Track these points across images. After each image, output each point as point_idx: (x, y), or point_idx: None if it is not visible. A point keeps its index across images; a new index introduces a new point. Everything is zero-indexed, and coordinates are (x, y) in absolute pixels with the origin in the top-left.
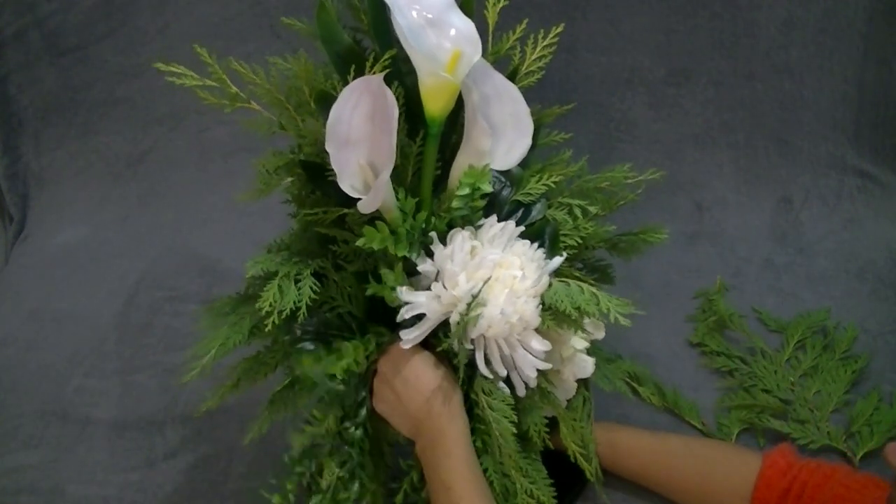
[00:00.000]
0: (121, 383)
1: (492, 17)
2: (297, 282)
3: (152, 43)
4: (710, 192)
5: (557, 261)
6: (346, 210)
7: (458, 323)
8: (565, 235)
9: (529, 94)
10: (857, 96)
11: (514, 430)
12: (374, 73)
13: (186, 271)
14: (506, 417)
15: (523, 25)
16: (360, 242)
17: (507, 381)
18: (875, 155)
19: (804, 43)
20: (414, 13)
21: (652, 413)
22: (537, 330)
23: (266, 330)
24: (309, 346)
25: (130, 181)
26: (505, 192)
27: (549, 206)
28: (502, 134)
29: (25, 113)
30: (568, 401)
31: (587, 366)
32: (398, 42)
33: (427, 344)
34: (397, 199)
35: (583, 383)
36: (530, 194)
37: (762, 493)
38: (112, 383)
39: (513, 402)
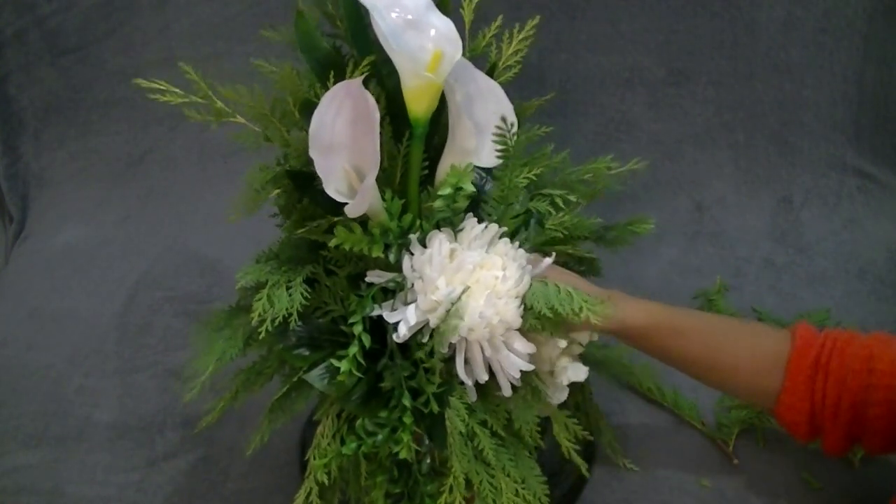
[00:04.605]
0: (121, 383)
1: (468, 14)
2: (288, 289)
3: (152, 43)
4: (710, 192)
5: (547, 261)
6: (334, 219)
7: (437, 330)
8: (549, 228)
9: (529, 95)
10: (857, 96)
11: (462, 430)
12: (353, 77)
13: (186, 271)
14: (458, 415)
15: (498, 22)
16: (332, 242)
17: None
18: (875, 155)
19: (804, 43)
20: (394, 15)
21: (652, 413)
22: (524, 331)
23: (260, 339)
24: (304, 352)
25: (130, 181)
26: (487, 187)
27: (532, 199)
28: (487, 132)
29: (25, 113)
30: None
31: (581, 371)
32: (377, 46)
33: (407, 346)
34: (383, 200)
35: None
36: (506, 185)
37: (796, 365)
38: (112, 383)
39: (468, 403)
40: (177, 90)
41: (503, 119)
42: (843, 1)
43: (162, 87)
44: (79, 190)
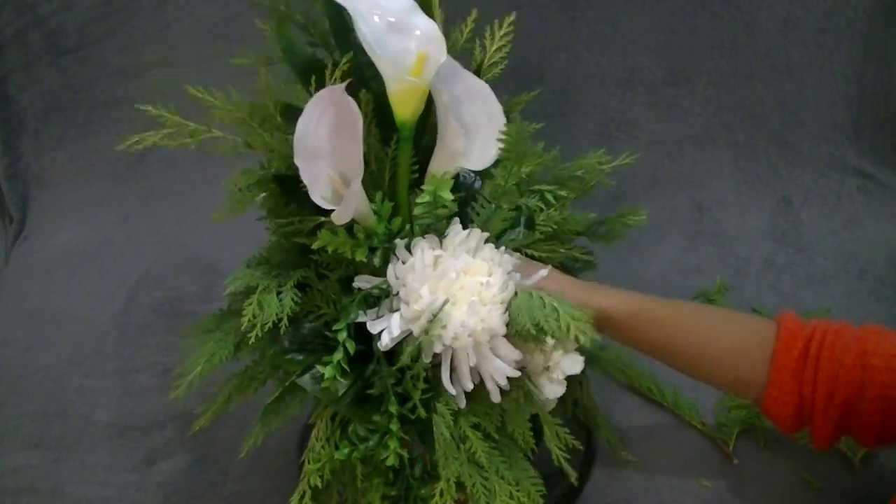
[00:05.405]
0: (121, 383)
1: (437, 12)
2: (278, 294)
3: (152, 43)
4: (710, 192)
5: (542, 273)
6: (322, 219)
7: (418, 340)
8: (539, 225)
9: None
10: (857, 96)
11: (447, 436)
12: (335, 81)
13: (186, 271)
14: (444, 422)
15: (473, 16)
16: (315, 245)
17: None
18: (875, 155)
19: (804, 43)
20: (376, 18)
21: (652, 413)
22: (511, 337)
23: (250, 343)
24: (297, 356)
25: (130, 181)
26: (476, 185)
27: (521, 195)
28: (475, 133)
29: (25, 113)
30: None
31: (576, 363)
32: (360, 49)
33: (393, 353)
34: (372, 201)
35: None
36: (501, 186)
37: (782, 356)
38: (112, 383)
39: (455, 409)
40: (147, 133)
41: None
42: (843, 1)
43: (133, 139)
44: (79, 190)
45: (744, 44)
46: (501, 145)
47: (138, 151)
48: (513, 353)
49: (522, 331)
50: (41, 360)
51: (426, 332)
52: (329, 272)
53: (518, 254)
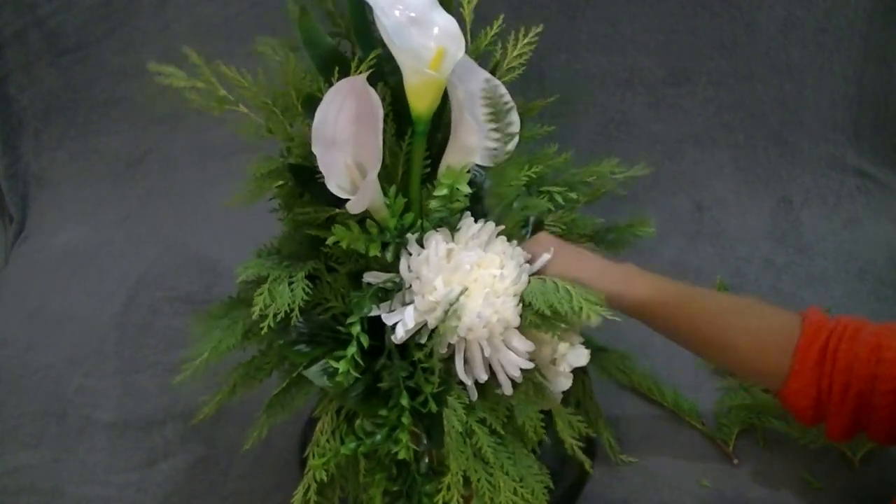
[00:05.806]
0: (121, 383)
1: (468, 14)
2: (289, 284)
3: (152, 43)
4: (710, 192)
5: (545, 258)
6: (336, 210)
7: (436, 331)
8: (548, 225)
9: (529, 94)
10: (857, 96)
11: (460, 429)
12: (358, 73)
13: (186, 271)
14: (455, 415)
15: (500, 21)
16: (330, 240)
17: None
18: (875, 155)
19: (804, 43)
20: (396, 13)
21: (652, 413)
22: (524, 330)
23: (262, 333)
24: (304, 348)
25: (130, 181)
26: (487, 184)
27: (530, 196)
28: (489, 130)
29: (25, 113)
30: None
31: (582, 356)
32: (380, 43)
33: (405, 346)
34: (385, 195)
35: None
36: (511, 186)
37: (804, 350)
38: (112, 383)
39: (466, 402)
40: (183, 74)
41: (486, 80)
42: (843, 1)
43: (170, 71)
44: (79, 190)
45: (744, 44)
46: (487, 112)
47: (138, 151)
48: (525, 345)
49: (539, 314)
50: (41, 360)
51: (442, 321)
52: (338, 265)
53: (545, 232)
